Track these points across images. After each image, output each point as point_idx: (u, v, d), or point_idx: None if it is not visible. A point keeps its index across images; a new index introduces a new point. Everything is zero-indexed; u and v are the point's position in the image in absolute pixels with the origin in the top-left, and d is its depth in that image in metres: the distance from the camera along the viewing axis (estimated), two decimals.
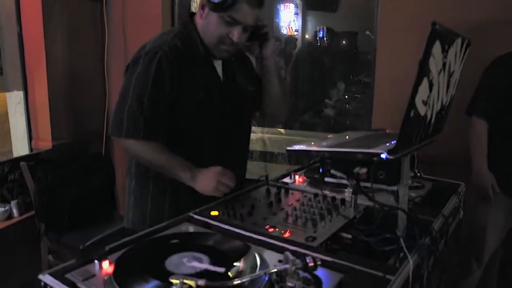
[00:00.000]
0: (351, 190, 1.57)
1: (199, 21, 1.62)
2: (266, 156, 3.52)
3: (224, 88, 1.68)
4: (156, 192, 1.68)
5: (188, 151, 1.58)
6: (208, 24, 1.57)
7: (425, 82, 0.99)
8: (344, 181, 1.25)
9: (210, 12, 1.54)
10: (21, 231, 2.56)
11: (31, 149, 2.93)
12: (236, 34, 1.54)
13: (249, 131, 1.88)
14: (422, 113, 1.05)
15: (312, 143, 1.29)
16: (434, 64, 1.02)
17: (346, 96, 4.35)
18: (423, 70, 0.96)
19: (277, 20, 5.75)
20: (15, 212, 2.57)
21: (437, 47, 1.01)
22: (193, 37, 1.62)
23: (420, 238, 1.18)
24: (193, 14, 1.68)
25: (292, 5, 5.84)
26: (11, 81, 2.75)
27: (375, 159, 1.02)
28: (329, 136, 1.41)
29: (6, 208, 2.52)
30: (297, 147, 1.15)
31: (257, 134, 3.45)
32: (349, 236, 1.26)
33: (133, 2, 3.16)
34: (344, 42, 4.81)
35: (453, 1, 2.43)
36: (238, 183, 1.53)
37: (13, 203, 2.57)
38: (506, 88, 2.17)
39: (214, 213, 1.37)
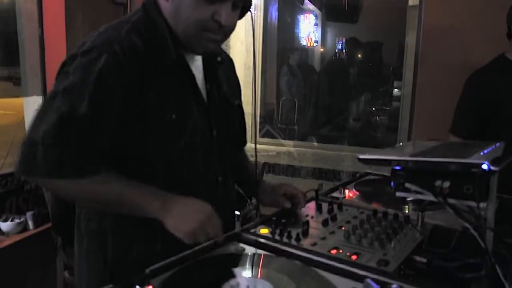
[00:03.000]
0: (413, 206, 1.42)
1: (164, 4, 1.13)
2: (289, 170, 3.37)
3: (209, 102, 1.24)
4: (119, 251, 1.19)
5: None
6: (180, 7, 1.09)
7: None
8: (420, 196, 1.09)
9: None
10: (37, 245, 2.41)
11: None
12: (224, 13, 1.08)
13: (238, 163, 1.46)
14: None
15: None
16: None
17: (374, 108, 4.20)
18: None
19: (297, 31, 5.66)
20: (30, 224, 2.41)
21: None
22: (159, 30, 1.13)
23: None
24: None
25: (312, 16, 5.76)
26: (30, 86, 2.62)
27: (475, 170, 0.86)
28: (397, 145, 1.25)
29: (22, 219, 2.37)
30: (372, 156, 1.00)
31: (283, 147, 3.31)
32: (424, 260, 1.10)
33: None
34: (368, 52, 4.68)
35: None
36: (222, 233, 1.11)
37: (28, 214, 2.42)
38: (482, 102, 1.99)
39: (264, 230, 1.21)
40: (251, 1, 1.20)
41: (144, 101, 1.09)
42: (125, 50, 1.06)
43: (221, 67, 1.31)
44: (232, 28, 1.15)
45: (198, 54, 1.22)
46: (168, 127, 1.13)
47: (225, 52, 1.40)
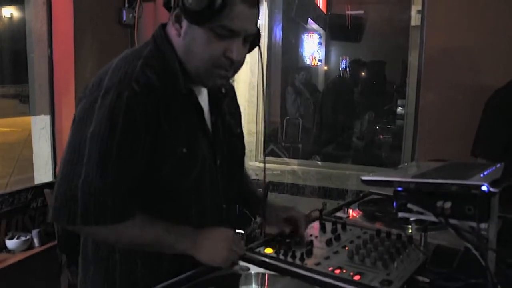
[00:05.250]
0: (416, 226, 1.44)
1: (176, 39, 1.14)
2: (293, 189, 3.38)
3: (213, 133, 1.25)
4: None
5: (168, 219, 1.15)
6: (192, 43, 1.10)
7: None
8: (422, 217, 1.10)
9: (192, 26, 1.08)
10: (42, 263, 2.41)
11: (55, 176, 2.82)
12: (235, 49, 1.09)
13: (240, 186, 1.46)
14: None
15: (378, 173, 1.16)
16: None
17: (378, 127, 4.21)
18: None
19: (301, 50, 5.74)
20: (36, 242, 2.42)
21: None
22: (170, 64, 1.14)
23: None
24: (166, 25, 1.19)
25: (316, 36, 5.84)
26: (38, 105, 2.67)
27: (475, 192, 0.87)
28: (400, 166, 1.27)
29: (27, 237, 2.38)
30: (374, 177, 1.01)
31: (288, 165, 3.32)
32: (427, 280, 1.11)
33: None
34: (371, 71, 4.72)
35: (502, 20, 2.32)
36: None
37: (34, 232, 2.43)
38: (508, 122, 1.92)
39: (269, 250, 1.23)
40: (260, 35, 1.21)
41: (159, 135, 1.09)
42: (142, 87, 1.06)
43: (224, 97, 1.32)
44: (242, 63, 1.16)
45: (207, 87, 1.24)
46: (180, 161, 1.13)
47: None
